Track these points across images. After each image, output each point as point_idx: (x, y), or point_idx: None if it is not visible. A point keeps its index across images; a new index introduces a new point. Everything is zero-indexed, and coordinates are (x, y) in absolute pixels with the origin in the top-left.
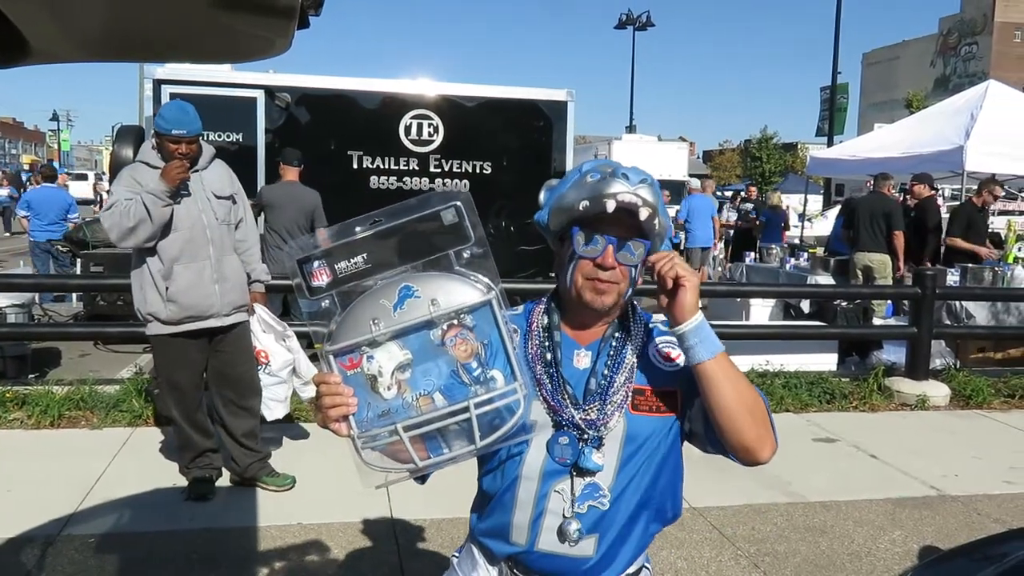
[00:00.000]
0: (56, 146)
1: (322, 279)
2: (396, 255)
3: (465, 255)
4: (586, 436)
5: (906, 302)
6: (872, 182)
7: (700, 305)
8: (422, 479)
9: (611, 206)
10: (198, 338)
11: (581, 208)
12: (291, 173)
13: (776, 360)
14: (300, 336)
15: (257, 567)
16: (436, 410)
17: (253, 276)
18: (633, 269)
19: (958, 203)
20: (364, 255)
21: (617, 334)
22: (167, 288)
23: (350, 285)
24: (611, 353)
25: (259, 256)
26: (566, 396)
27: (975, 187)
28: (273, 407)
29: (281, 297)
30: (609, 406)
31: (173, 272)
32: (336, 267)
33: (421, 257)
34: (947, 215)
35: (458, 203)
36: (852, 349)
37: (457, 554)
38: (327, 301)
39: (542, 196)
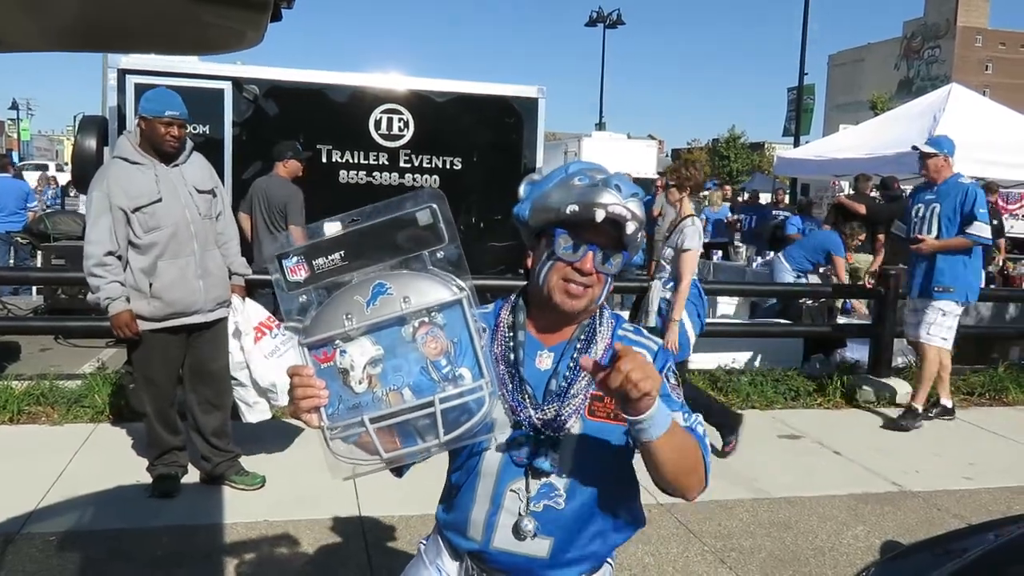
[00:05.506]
0: (16, 136)
1: (300, 274)
2: (373, 253)
3: (439, 255)
4: (542, 437)
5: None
6: (835, 182)
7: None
8: (399, 472)
9: (600, 215)
10: (178, 334)
11: (568, 212)
12: (278, 168)
13: (742, 357)
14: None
15: (223, 565)
16: (404, 405)
17: (232, 270)
18: (609, 278)
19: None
20: (341, 252)
21: (583, 337)
22: (151, 284)
23: (327, 281)
24: (574, 356)
25: (238, 250)
26: (525, 396)
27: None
28: (246, 411)
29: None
30: (567, 408)
31: (157, 268)
32: (314, 263)
33: (397, 255)
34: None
35: (433, 205)
36: (817, 347)
37: (424, 542)
38: (304, 296)
39: (523, 189)
